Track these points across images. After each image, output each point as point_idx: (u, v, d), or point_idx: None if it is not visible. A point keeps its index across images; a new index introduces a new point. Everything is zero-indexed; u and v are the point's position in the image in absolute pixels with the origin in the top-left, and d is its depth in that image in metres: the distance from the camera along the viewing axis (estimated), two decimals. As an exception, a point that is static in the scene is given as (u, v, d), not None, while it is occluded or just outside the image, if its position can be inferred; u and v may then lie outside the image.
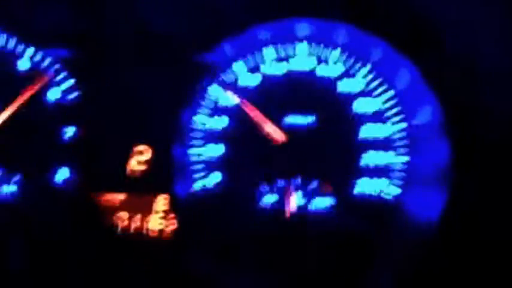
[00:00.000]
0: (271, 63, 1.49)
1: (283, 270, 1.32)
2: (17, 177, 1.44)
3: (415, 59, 1.35)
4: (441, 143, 1.34)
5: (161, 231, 1.40)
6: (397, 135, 1.46)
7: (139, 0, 1.42)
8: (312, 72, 1.48)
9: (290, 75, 1.48)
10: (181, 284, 1.31)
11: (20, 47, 1.48)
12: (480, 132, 1.30)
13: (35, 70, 1.47)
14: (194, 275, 1.31)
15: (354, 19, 1.37)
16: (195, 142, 1.48)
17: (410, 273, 1.28)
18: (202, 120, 1.48)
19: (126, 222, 1.40)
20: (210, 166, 1.47)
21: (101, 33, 1.43)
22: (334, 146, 1.45)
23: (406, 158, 1.45)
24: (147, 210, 1.41)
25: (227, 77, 1.49)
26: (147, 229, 1.40)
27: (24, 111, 1.45)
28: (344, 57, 1.48)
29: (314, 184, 1.44)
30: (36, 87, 1.45)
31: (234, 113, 1.48)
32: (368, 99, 1.47)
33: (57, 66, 1.47)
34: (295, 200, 1.43)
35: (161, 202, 1.41)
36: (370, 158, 1.45)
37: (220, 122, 1.48)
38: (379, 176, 1.44)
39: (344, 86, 1.47)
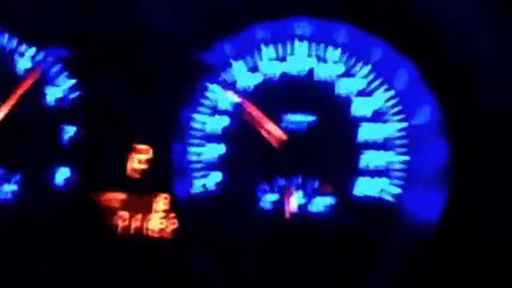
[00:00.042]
0: (271, 62, 1.49)
1: (283, 270, 1.33)
2: (17, 177, 1.44)
3: (414, 59, 1.35)
4: (440, 143, 1.35)
5: (161, 231, 1.40)
6: (397, 135, 1.46)
7: (139, 0, 1.41)
8: (311, 72, 1.48)
9: (290, 75, 1.48)
10: (181, 284, 1.31)
11: (20, 47, 1.48)
12: (479, 132, 1.30)
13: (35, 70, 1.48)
14: (194, 275, 1.31)
15: (354, 19, 1.37)
16: (195, 142, 1.48)
17: (410, 273, 1.28)
18: (202, 120, 1.48)
19: (126, 222, 1.40)
20: (210, 166, 1.47)
21: (101, 33, 1.43)
22: (334, 145, 1.45)
23: (405, 158, 1.45)
24: (147, 210, 1.41)
25: (227, 77, 1.49)
26: (147, 229, 1.40)
27: (25, 111, 1.45)
28: (344, 57, 1.48)
29: (314, 184, 1.44)
30: (28, 84, 1.44)
31: (234, 113, 1.48)
32: (368, 99, 1.47)
33: (57, 66, 1.46)
34: (295, 200, 1.43)
35: (161, 202, 1.41)
36: (370, 158, 1.45)
37: (221, 122, 1.48)
38: (379, 176, 1.44)
39: (344, 86, 1.47)
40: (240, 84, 1.49)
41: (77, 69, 1.46)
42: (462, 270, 1.24)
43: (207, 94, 1.49)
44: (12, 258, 1.31)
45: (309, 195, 1.44)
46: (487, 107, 1.30)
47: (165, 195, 1.41)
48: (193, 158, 1.47)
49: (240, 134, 1.47)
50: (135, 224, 1.40)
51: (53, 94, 1.47)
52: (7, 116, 1.44)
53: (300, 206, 1.43)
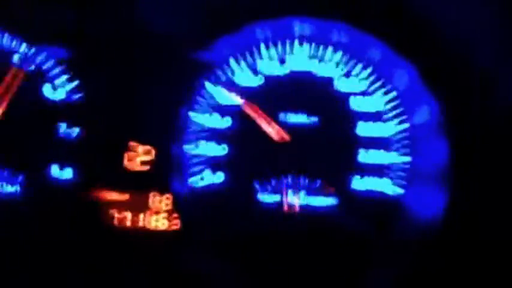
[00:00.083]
0: (270, 62, 1.49)
1: (283, 268, 1.34)
2: (17, 176, 1.45)
3: (414, 60, 1.34)
4: (440, 143, 1.34)
5: (161, 229, 1.41)
6: (398, 135, 1.46)
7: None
8: (311, 71, 1.48)
9: (290, 75, 1.48)
10: (182, 282, 1.32)
11: (20, 47, 1.48)
12: (479, 131, 1.30)
13: (35, 70, 1.48)
14: (194, 273, 1.32)
15: (353, 19, 1.36)
16: (195, 141, 1.48)
17: (411, 272, 1.29)
18: (202, 119, 1.48)
19: (126, 221, 1.41)
20: (211, 165, 1.47)
21: (100, 33, 1.43)
22: (335, 145, 1.46)
23: (406, 158, 1.45)
24: (147, 209, 1.42)
25: (226, 76, 1.49)
26: (147, 227, 1.41)
27: (24, 110, 1.45)
28: (343, 57, 1.48)
29: (316, 183, 1.44)
30: (17, 82, 1.45)
31: (234, 112, 1.48)
32: (368, 98, 1.47)
33: (56, 66, 1.47)
34: (296, 199, 1.44)
35: (161, 201, 1.42)
36: (371, 158, 1.45)
37: (220, 121, 1.48)
38: (380, 176, 1.45)
39: (343, 86, 1.47)
40: (239, 84, 1.49)
41: (77, 68, 1.46)
42: (463, 269, 1.24)
43: (207, 93, 1.48)
44: (12, 256, 1.32)
45: (310, 194, 1.44)
46: (486, 107, 1.30)
47: (165, 194, 1.42)
48: (194, 157, 1.47)
49: (240, 133, 1.47)
50: (135, 222, 1.41)
51: (52, 94, 1.47)
52: (5, 115, 1.45)
53: (301, 205, 1.44)
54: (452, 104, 1.32)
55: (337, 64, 1.47)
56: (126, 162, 1.43)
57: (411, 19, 1.32)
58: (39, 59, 1.47)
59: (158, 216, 1.42)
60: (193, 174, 1.47)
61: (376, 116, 1.46)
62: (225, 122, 1.48)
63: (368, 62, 1.46)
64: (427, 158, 1.40)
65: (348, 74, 1.47)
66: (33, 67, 1.47)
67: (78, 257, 1.33)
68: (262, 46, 1.48)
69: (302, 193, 1.44)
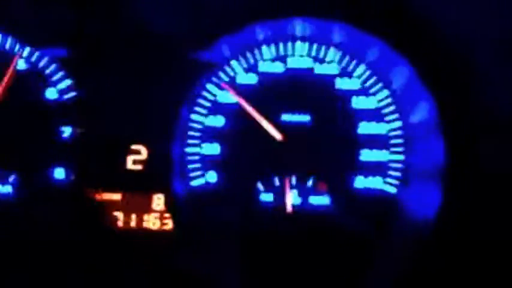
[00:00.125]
0: (269, 62, 1.50)
1: (281, 268, 1.32)
2: (14, 177, 1.44)
3: (411, 58, 1.36)
4: (437, 142, 1.35)
5: (158, 230, 1.40)
6: (394, 134, 1.47)
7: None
8: (309, 71, 1.49)
9: (287, 74, 1.49)
10: (179, 282, 1.31)
11: (19, 47, 1.48)
12: (476, 131, 1.30)
13: (32, 69, 1.48)
14: (192, 273, 1.30)
15: (351, 19, 1.37)
16: (192, 141, 1.47)
17: (409, 270, 1.27)
18: (200, 119, 1.48)
19: (123, 221, 1.40)
20: (207, 165, 1.47)
21: (98, 33, 1.43)
22: (331, 144, 1.46)
23: (402, 156, 1.46)
24: (144, 209, 1.41)
25: (225, 76, 1.49)
26: (145, 228, 1.40)
27: (22, 110, 1.45)
28: (341, 56, 1.49)
29: (314, 182, 1.44)
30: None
31: (231, 111, 1.48)
32: (364, 97, 1.48)
33: (54, 65, 1.47)
34: (294, 198, 1.43)
35: (158, 201, 1.41)
36: (367, 156, 1.46)
37: (218, 121, 1.48)
38: (376, 174, 1.45)
39: (341, 85, 1.48)
40: (239, 83, 1.49)
41: (75, 68, 1.45)
42: (460, 267, 1.24)
43: (206, 93, 1.49)
44: (10, 257, 1.30)
45: (307, 193, 1.44)
46: (483, 106, 1.31)
47: (162, 194, 1.41)
48: (191, 157, 1.47)
49: (237, 133, 1.47)
50: (132, 223, 1.40)
51: (50, 94, 1.46)
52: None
53: (299, 205, 1.44)
54: (449, 103, 1.33)
55: (337, 63, 1.48)
56: (122, 162, 1.41)
57: (410, 18, 1.33)
58: (36, 58, 1.47)
59: (153, 216, 1.40)
60: (190, 173, 1.46)
61: (373, 114, 1.47)
62: (222, 121, 1.48)
63: (366, 60, 1.47)
64: (424, 157, 1.41)
65: (347, 73, 1.48)
66: (29, 67, 1.47)
67: (73, 257, 1.32)
68: (263, 46, 1.49)
69: (300, 192, 1.44)
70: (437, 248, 1.27)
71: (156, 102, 1.41)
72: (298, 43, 1.49)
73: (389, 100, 1.47)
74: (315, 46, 1.49)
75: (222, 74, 1.49)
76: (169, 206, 1.40)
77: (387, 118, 1.47)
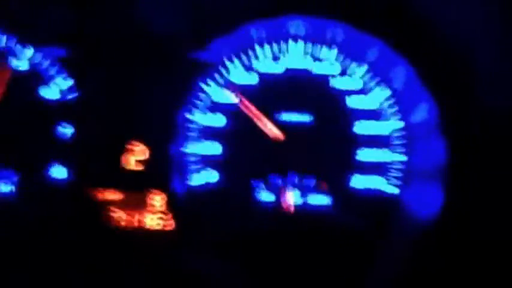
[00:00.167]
0: (266, 62, 1.50)
1: (281, 267, 1.32)
2: (14, 175, 1.43)
3: (411, 58, 1.36)
4: (438, 142, 1.35)
5: (158, 229, 1.40)
6: (395, 134, 1.47)
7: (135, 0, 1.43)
8: (307, 70, 1.49)
9: (286, 74, 1.49)
10: (179, 282, 1.30)
11: (19, 47, 1.48)
12: (476, 130, 1.31)
13: (33, 70, 1.48)
14: (192, 274, 1.30)
15: (350, 18, 1.38)
16: (191, 140, 1.47)
17: (409, 270, 1.27)
18: (199, 119, 1.48)
19: (123, 220, 1.40)
20: (207, 164, 1.47)
21: (98, 33, 1.43)
22: (332, 144, 1.46)
23: (404, 156, 1.46)
24: (144, 208, 1.41)
25: (223, 76, 1.49)
26: (145, 227, 1.40)
27: (22, 109, 1.45)
28: (340, 56, 1.49)
29: (312, 181, 1.44)
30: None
31: (232, 111, 1.48)
32: (365, 98, 1.48)
33: (54, 65, 1.46)
34: (293, 198, 1.43)
35: (158, 200, 1.41)
36: (369, 156, 1.46)
37: (218, 121, 1.48)
38: (378, 174, 1.46)
39: (340, 85, 1.48)
40: (236, 83, 1.49)
41: (74, 68, 1.45)
42: (461, 267, 1.24)
43: (204, 93, 1.48)
44: (10, 255, 1.30)
45: (307, 193, 1.44)
46: (484, 106, 1.31)
47: (161, 193, 1.41)
48: (190, 156, 1.47)
49: (236, 132, 1.47)
50: (132, 222, 1.40)
51: (51, 93, 1.46)
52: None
53: (298, 204, 1.44)
54: (449, 103, 1.33)
55: (334, 62, 1.48)
56: (122, 161, 1.41)
57: (410, 18, 1.34)
58: (37, 58, 1.46)
59: (153, 216, 1.40)
60: (190, 173, 1.46)
61: (373, 114, 1.47)
62: (222, 121, 1.48)
63: (365, 60, 1.47)
64: (424, 157, 1.41)
65: (344, 72, 1.48)
66: (30, 67, 1.47)
67: (73, 256, 1.31)
68: (258, 45, 1.49)
69: (299, 192, 1.44)
70: (438, 248, 1.27)
71: (155, 102, 1.42)
72: (298, 43, 1.49)
73: (390, 100, 1.47)
74: (314, 46, 1.49)
75: (220, 74, 1.49)
76: (170, 205, 1.40)
77: (388, 118, 1.47)
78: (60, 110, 1.46)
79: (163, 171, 1.42)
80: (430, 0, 1.31)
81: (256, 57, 1.49)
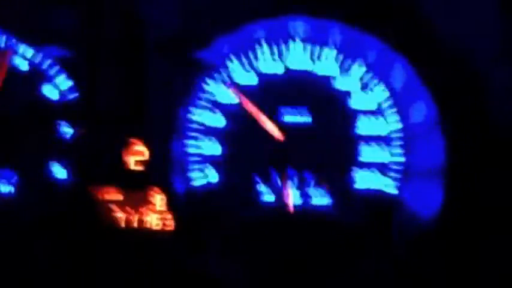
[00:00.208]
0: (267, 61, 1.50)
1: (282, 269, 1.32)
2: (15, 176, 1.43)
3: (410, 58, 1.37)
4: (437, 141, 1.36)
5: (158, 229, 1.39)
6: (395, 133, 1.47)
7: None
8: (307, 71, 1.49)
9: (286, 74, 1.49)
10: (179, 282, 1.30)
11: (19, 47, 1.48)
12: (475, 130, 1.31)
13: (33, 70, 1.48)
14: (192, 274, 1.30)
15: (349, 19, 1.38)
16: (192, 139, 1.47)
17: (409, 270, 1.28)
18: (200, 118, 1.48)
19: (123, 220, 1.39)
20: (207, 163, 1.47)
21: (98, 33, 1.43)
22: (332, 144, 1.46)
23: (403, 156, 1.47)
24: (144, 207, 1.40)
25: (226, 76, 1.49)
26: (145, 226, 1.40)
27: (22, 109, 1.45)
28: (339, 56, 1.49)
29: (314, 182, 1.44)
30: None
31: (232, 111, 1.48)
32: (364, 98, 1.48)
33: (55, 65, 1.46)
34: (295, 198, 1.44)
35: (158, 200, 1.41)
36: (368, 156, 1.46)
37: (219, 121, 1.48)
38: (377, 174, 1.45)
39: (340, 85, 1.49)
40: (238, 83, 1.49)
41: (74, 68, 1.45)
42: (461, 267, 1.24)
43: (206, 92, 1.49)
44: (10, 254, 1.30)
45: (307, 193, 1.45)
46: (483, 106, 1.32)
47: (162, 192, 1.41)
48: (191, 155, 1.47)
49: (238, 132, 1.47)
50: (132, 221, 1.40)
51: (51, 93, 1.46)
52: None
53: (299, 204, 1.44)
54: (449, 103, 1.34)
55: (333, 63, 1.49)
56: (122, 161, 1.41)
57: (410, 19, 1.34)
58: (37, 58, 1.46)
59: (153, 216, 1.40)
60: (192, 173, 1.46)
61: (374, 114, 1.47)
62: (224, 121, 1.48)
63: (365, 60, 1.48)
64: (424, 156, 1.42)
65: (345, 73, 1.49)
66: (30, 67, 1.47)
67: (73, 256, 1.31)
68: (258, 46, 1.49)
69: (299, 192, 1.45)
70: (438, 248, 1.28)
71: (156, 102, 1.42)
72: (298, 43, 1.50)
73: (389, 101, 1.48)
74: (314, 46, 1.49)
75: (221, 74, 1.49)
76: (170, 205, 1.40)
77: (388, 118, 1.48)
78: (60, 110, 1.46)
79: (163, 171, 1.41)
80: (430, 1, 1.32)
81: (256, 57, 1.50)
